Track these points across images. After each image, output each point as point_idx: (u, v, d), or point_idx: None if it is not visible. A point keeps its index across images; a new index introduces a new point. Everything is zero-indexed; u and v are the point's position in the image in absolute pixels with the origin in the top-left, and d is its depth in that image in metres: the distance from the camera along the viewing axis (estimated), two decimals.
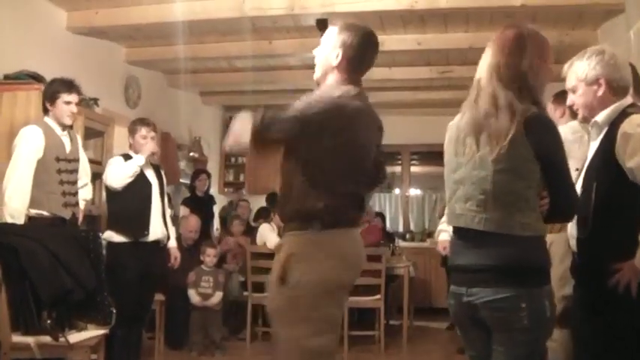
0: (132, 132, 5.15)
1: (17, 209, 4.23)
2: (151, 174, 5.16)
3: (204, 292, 6.33)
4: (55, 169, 4.44)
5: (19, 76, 5.06)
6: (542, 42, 2.40)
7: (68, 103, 4.51)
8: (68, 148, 4.57)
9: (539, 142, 2.25)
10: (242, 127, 2.63)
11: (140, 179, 5.04)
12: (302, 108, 2.64)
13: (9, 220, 4.20)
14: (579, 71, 2.76)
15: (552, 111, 4.01)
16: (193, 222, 7.00)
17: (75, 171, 4.63)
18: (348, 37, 2.80)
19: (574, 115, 3.89)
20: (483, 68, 2.42)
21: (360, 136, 2.75)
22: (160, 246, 5.20)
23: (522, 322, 2.27)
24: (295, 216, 2.72)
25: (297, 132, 2.62)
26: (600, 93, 2.72)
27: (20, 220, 4.23)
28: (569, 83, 2.83)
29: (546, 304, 2.30)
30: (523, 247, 2.29)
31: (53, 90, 4.51)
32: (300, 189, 2.69)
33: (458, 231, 2.48)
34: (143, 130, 5.09)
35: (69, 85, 4.54)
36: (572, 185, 2.38)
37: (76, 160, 4.66)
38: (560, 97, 3.96)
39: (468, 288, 2.39)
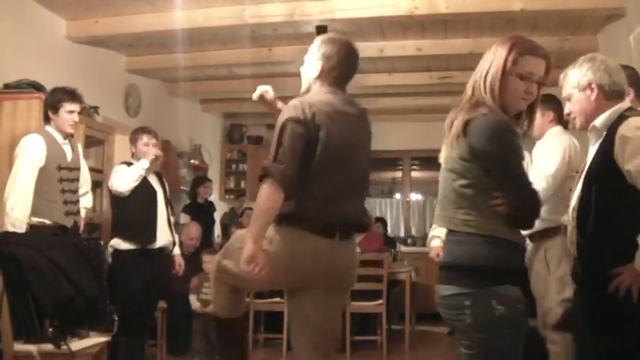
0: (133, 141, 5.17)
1: (19, 219, 4.23)
2: (155, 181, 5.21)
3: (205, 298, 6.33)
4: (57, 178, 4.44)
5: (19, 85, 5.06)
6: (508, 51, 2.35)
7: (71, 112, 4.52)
8: (69, 156, 4.58)
9: (475, 144, 2.28)
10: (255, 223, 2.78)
11: (145, 186, 5.07)
12: (280, 125, 2.81)
13: (10, 230, 4.20)
14: (572, 79, 2.82)
15: (540, 116, 3.93)
16: (194, 230, 7.00)
17: (76, 179, 4.64)
18: (327, 49, 3.00)
19: (560, 121, 3.92)
20: None
21: (332, 139, 2.85)
22: (165, 253, 5.23)
23: (466, 322, 2.29)
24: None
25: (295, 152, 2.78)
26: (593, 97, 2.76)
27: (22, 229, 4.23)
28: (565, 92, 2.88)
29: (493, 305, 2.25)
30: (470, 245, 2.31)
31: (56, 99, 4.51)
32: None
33: None
34: (145, 138, 5.13)
35: (72, 95, 4.55)
36: (524, 187, 2.33)
37: (77, 169, 4.67)
38: (544, 100, 3.87)
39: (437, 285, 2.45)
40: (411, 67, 7.60)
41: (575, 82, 2.80)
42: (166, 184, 5.42)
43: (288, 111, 2.84)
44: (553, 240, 3.75)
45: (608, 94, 2.74)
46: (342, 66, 3.00)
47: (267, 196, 2.71)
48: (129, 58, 7.31)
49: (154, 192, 5.17)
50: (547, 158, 3.87)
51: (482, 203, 2.30)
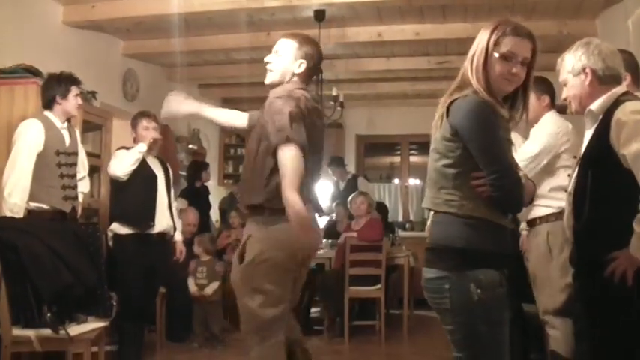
0: (134, 126, 5.16)
1: (17, 204, 4.22)
2: (156, 165, 5.20)
3: (199, 282, 6.38)
4: (55, 163, 4.44)
5: (16, 70, 5.04)
6: (490, 33, 2.36)
7: (76, 95, 4.56)
8: (67, 141, 4.56)
9: (455, 124, 2.30)
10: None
11: (145, 171, 5.06)
12: (288, 111, 2.99)
13: (8, 215, 4.20)
14: (568, 64, 2.82)
15: (535, 100, 3.88)
16: (192, 216, 7.01)
17: (74, 164, 4.63)
18: (309, 49, 3.23)
19: (552, 105, 3.90)
20: None
21: (314, 133, 3.12)
22: (165, 238, 5.23)
23: (446, 305, 2.29)
24: None
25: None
26: (587, 82, 2.76)
27: (20, 215, 4.23)
28: (561, 77, 2.89)
29: (471, 289, 2.24)
30: (449, 226, 2.31)
31: (67, 86, 4.52)
32: None
33: None
34: (144, 122, 5.11)
35: (77, 79, 4.59)
36: (502, 168, 2.28)
37: (76, 154, 4.66)
38: (540, 84, 3.80)
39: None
40: (409, 52, 7.58)
41: (570, 66, 2.80)
42: (170, 170, 5.41)
43: (292, 100, 3.03)
44: (555, 225, 3.73)
45: (602, 79, 2.74)
46: (317, 67, 3.32)
47: (298, 158, 2.93)
48: (126, 43, 7.29)
49: (154, 176, 5.16)
50: (533, 141, 3.86)
51: (464, 184, 2.30)
